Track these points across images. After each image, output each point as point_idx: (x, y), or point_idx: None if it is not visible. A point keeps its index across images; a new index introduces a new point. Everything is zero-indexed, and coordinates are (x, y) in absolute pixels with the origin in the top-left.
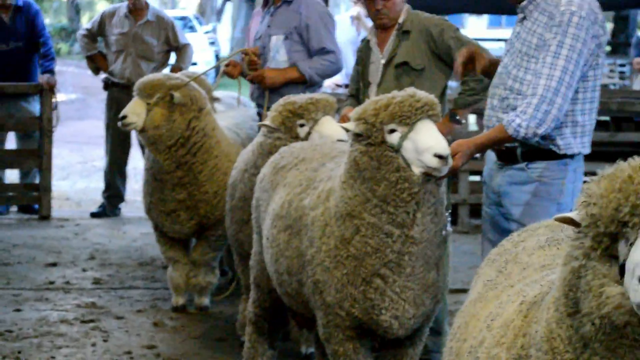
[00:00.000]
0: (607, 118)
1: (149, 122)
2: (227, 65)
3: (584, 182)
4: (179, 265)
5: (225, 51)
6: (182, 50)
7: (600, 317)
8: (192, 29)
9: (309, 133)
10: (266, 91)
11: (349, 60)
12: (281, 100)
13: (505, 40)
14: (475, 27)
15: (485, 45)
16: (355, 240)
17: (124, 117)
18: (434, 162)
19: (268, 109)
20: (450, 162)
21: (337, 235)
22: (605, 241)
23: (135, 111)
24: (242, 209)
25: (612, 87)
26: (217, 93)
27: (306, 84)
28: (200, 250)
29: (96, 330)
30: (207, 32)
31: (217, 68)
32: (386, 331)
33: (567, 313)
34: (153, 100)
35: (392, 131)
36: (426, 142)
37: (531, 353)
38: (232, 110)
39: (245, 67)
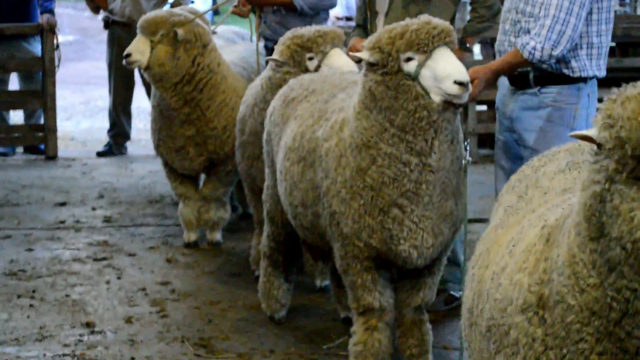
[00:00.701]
0: (612, 44)
1: (153, 59)
2: (235, 6)
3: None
4: (190, 202)
5: None
6: None
7: (633, 241)
8: None
9: (318, 66)
10: (256, 9)
11: None
12: (288, 34)
13: None
14: None
15: None
16: (371, 170)
17: (128, 55)
18: (455, 89)
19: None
20: (471, 88)
21: (352, 165)
22: (630, 163)
23: (139, 49)
24: (253, 143)
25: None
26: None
27: (296, 11)
28: (211, 186)
29: (109, 268)
30: None
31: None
32: (405, 261)
33: (589, 237)
34: (157, 38)
35: (409, 59)
36: (445, 70)
37: (553, 277)
38: (236, 45)
39: None
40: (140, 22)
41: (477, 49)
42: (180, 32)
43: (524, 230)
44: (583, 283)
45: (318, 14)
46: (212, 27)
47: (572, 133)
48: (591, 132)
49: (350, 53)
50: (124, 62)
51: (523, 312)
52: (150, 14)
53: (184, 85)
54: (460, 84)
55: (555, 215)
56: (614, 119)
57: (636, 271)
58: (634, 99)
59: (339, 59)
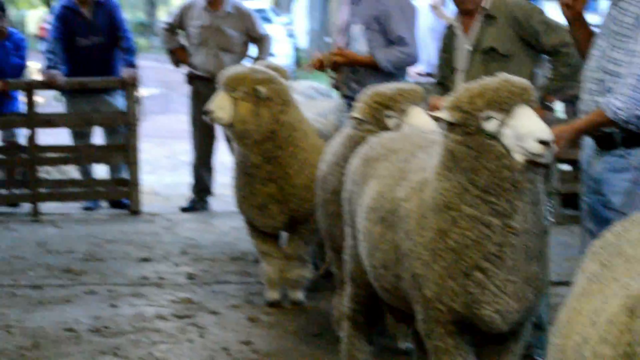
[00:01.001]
0: None
1: (236, 116)
2: (313, 65)
3: None
4: (272, 260)
5: (302, 43)
6: (261, 41)
7: None
8: (268, 20)
9: (398, 124)
10: (338, 68)
11: (429, 47)
12: (369, 91)
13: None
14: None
15: None
16: (453, 232)
17: (209, 111)
18: (538, 148)
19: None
20: (554, 147)
21: (434, 227)
22: None
23: (220, 105)
24: (334, 202)
25: None
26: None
27: (379, 70)
28: (293, 245)
29: (192, 326)
30: (284, 24)
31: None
32: (488, 326)
33: None
34: (238, 95)
35: (489, 118)
36: (528, 128)
37: (637, 351)
38: (315, 101)
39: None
40: (221, 78)
41: (559, 106)
42: (261, 89)
43: (607, 300)
44: None
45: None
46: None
47: None
48: None
49: (430, 113)
50: (205, 117)
51: None
52: (231, 70)
53: (265, 142)
54: (544, 142)
55: (639, 285)
56: None
57: None
58: None
59: (419, 118)
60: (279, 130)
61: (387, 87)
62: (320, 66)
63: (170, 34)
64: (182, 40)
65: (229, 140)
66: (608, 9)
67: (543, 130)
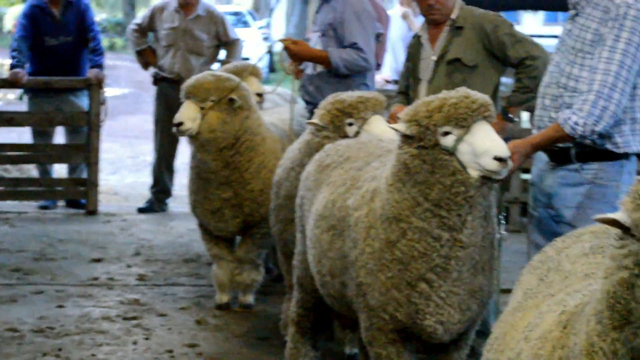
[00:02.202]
0: None
1: (204, 126)
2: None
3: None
4: (224, 263)
5: (278, 47)
6: (232, 45)
7: None
8: (245, 24)
9: (357, 132)
10: (291, 62)
11: (400, 56)
12: (330, 98)
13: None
14: (530, 23)
15: (541, 42)
16: (401, 243)
17: (180, 123)
18: (494, 166)
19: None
20: (511, 164)
21: (382, 238)
22: None
23: (190, 116)
24: (287, 207)
25: None
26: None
27: (331, 70)
28: (245, 248)
29: (138, 328)
30: (260, 28)
31: (269, 60)
32: (430, 336)
33: (612, 326)
34: (208, 104)
35: (446, 134)
36: (484, 145)
37: None
38: (278, 107)
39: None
40: (187, 88)
41: (525, 116)
42: (237, 99)
43: (541, 315)
44: None
45: (353, 76)
46: (269, 89)
47: (596, 217)
48: (618, 215)
49: (387, 125)
50: (174, 129)
51: None
52: (198, 79)
53: (227, 148)
54: (500, 159)
55: (574, 302)
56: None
57: None
58: None
59: (378, 126)
60: (242, 136)
61: (349, 95)
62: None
63: (139, 35)
64: (151, 42)
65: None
66: (565, 25)
67: (500, 148)
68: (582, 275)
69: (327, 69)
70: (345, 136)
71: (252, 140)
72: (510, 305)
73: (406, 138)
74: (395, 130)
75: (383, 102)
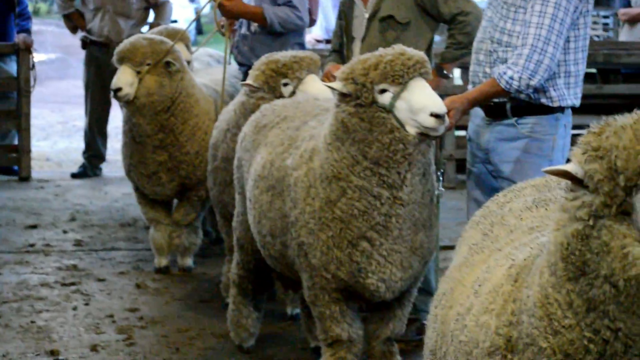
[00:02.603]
0: (593, 70)
1: (142, 90)
2: (222, 27)
3: (577, 135)
4: (161, 226)
5: (205, 9)
6: (160, 7)
7: (626, 278)
8: None
9: (293, 92)
10: (226, 30)
11: (330, 15)
12: (263, 58)
13: None
14: None
15: None
16: (341, 202)
17: (119, 89)
18: (431, 122)
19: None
20: (447, 120)
21: (322, 197)
22: (620, 196)
23: (127, 81)
24: (225, 169)
25: (596, 39)
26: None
27: (266, 27)
28: (183, 211)
29: (77, 294)
30: None
31: (196, 22)
32: (373, 294)
33: (566, 277)
34: (144, 69)
35: (383, 91)
36: (421, 102)
37: (523, 319)
38: (210, 68)
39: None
40: (121, 52)
41: (457, 73)
42: (174, 62)
43: (490, 270)
44: (557, 324)
45: (287, 36)
46: (194, 49)
47: (546, 169)
48: (569, 167)
49: (324, 83)
50: (111, 94)
51: (490, 355)
52: (133, 44)
53: (162, 112)
54: (437, 116)
55: (523, 255)
56: (604, 149)
57: (624, 310)
58: (629, 128)
59: (314, 86)
60: (177, 99)
61: (283, 55)
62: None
63: None
64: (78, 5)
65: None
66: None
67: (436, 104)
68: (527, 228)
69: (262, 27)
70: (281, 96)
71: (187, 103)
72: (455, 261)
73: (343, 96)
74: (332, 88)
75: (317, 61)
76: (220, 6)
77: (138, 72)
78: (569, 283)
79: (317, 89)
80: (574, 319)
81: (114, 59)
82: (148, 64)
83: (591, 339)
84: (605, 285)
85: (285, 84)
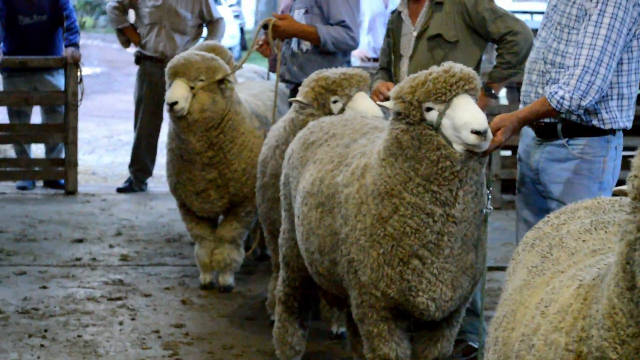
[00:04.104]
0: None
1: (196, 106)
2: (260, 46)
3: (628, 156)
4: (207, 243)
5: (249, 24)
6: (214, 24)
7: None
8: (216, 1)
9: (342, 109)
10: (277, 40)
11: (378, 33)
12: (313, 75)
13: (532, 12)
14: (501, 0)
15: None
16: (393, 219)
17: (175, 102)
18: (473, 139)
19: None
20: (490, 137)
21: (373, 213)
22: None
23: (183, 96)
24: (273, 186)
25: None
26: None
27: (319, 47)
28: (228, 227)
29: (123, 308)
30: (231, 5)
31: (240, 38)
32: (422, 313)
33: (626, 287)
34: (199, 84)
35: (429, 109)
36: (462, 119)
37: (592, 333)
38: (250, 82)
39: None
40: (176, 66)
41: (503, 92)
42: (229, 79)
43: (555, 291)
44: (623, 333)
45: (337, 54)
46: (236, 64)
47: (615, 189)
48: (626, 187)
49: (377, 103)
50: (166, 107)
51: None
52: (187, 59)
53: (214, 128)
54: (478, 132)
55: (591, 275)
56: (636, 169)
57: None
58: None
59: (363, 103)
60: (226, 115)
61: (332, 72)
62: (266, 48)
63: (120, 13)
64: (132, 19)
65: None
66: (550, 0)
67: (477, 121)
68: (589, 251)
69: (314, 46)
70: (330, 113)
71: (234, 120)
72: (511, 284)
73: (396, 114)
74: (384, 107)
75: (367, 78)
76: (274, 26)
77: (192, 88)
78: (629, 292)
79: (366, 107)
80: (636, 327)
81: (167, 73)
82: (201, 80)
83: None
84: None
85: (335, 101)
